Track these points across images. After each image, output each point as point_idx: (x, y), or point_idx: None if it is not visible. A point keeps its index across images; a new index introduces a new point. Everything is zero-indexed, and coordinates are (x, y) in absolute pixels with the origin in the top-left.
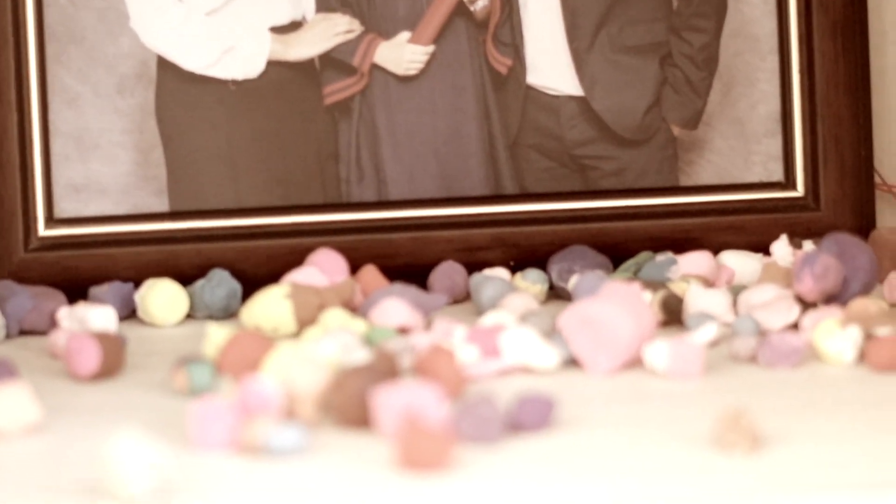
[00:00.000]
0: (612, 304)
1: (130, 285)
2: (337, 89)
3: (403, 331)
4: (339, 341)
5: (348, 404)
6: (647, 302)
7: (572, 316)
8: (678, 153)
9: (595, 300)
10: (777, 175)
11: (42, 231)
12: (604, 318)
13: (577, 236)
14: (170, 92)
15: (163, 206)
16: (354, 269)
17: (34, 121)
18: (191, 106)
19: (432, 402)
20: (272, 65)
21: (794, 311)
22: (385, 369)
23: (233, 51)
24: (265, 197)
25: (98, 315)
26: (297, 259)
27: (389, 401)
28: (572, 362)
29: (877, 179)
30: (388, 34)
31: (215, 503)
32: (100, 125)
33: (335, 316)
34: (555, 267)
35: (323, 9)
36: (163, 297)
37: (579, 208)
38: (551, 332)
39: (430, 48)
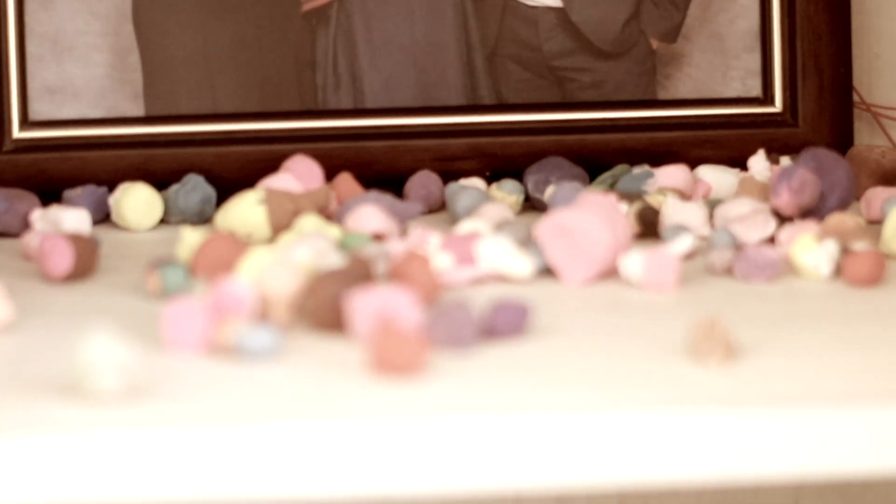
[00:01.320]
0: (589, 214)
1: (104, 189)
2: None
3: (378, 238)
4: (313, 246)
5: (322, 307)
6: (624, 213)
7: (548, 225)
8: (656, 67)
9: (571, 209)
10: (755, 90)
11: (17, 133)
12: (580, 228)
13: (553, 148)
14: None
15: (139, 110)
16: (330, 176)
17: (10, 21)
18: (168, 9)
19: (406, 306)
20: None
21: (771, 224)
22: (359, 274)
23: None
24: (241, 103)
25: (72, 217)
26: (272, 165)
27: (363, 304)
28: (547, 271)
29: (855, 98)
30: None
31: (187, 403)
32: (75, 27)
33: (310, 222)
34: (531, 178)
35: None
36: (137, 202)
37: (556, 120)
38: (527, 242)
39: None
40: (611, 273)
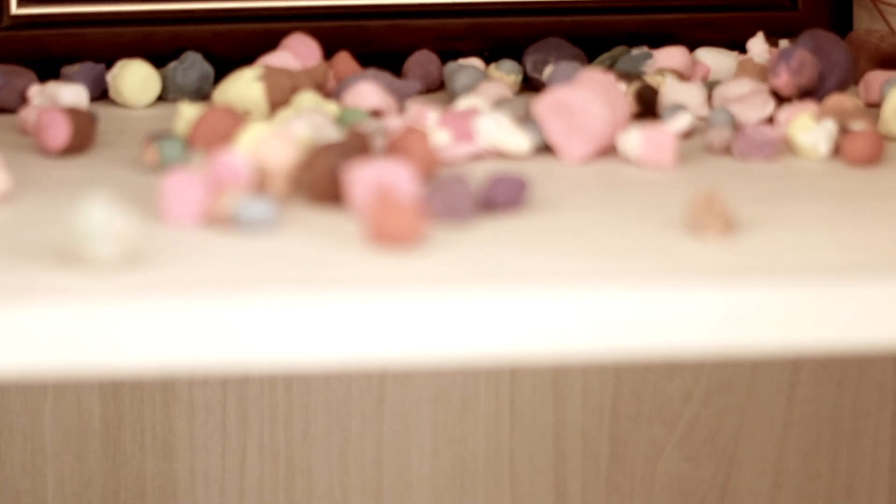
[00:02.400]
0: (587, 91)
1: (102, 66)
2: None
3: (376, 114)
4: (311, 121)
5: (319, 180)
6: (622, 92)
7: (546, 101)
8: None
9: (570, 86)
10: None
11: (14, 9)
12: (578, 104)
13: (552, 28)
14: None
15: None
16: (328, 56)
17: None
18: None
19: (404, 178)
20: None
21: (770, 105)
22: (357, 147)
23: None
24: None
25: (69, 92)
26: (270, 43)
27: (361, 176)
28: (546, 148)
29: None
30: None
31: (184, 270)
32: None
33: (307, 98)
34: (529, 58)
35: None
36: (135, 78)
37: (556, 0)
38: (525, 119)
39: None
40: (609, 150)
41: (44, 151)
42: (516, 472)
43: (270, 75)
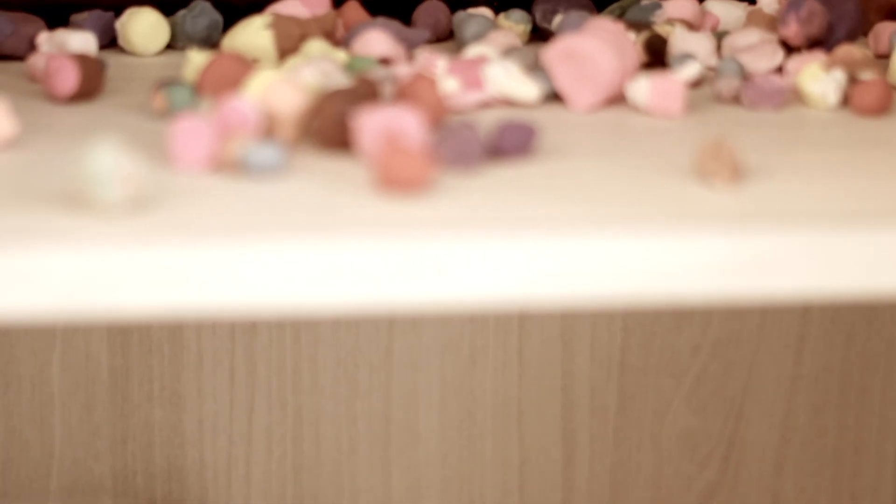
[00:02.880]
0: (596, 39)
1: (111, 13)
2: None
3: (385, 62)
4: (319, 68)
5: (328, 126)
6: (632, 40)
7: (556, 49)
8: None
9: (579, 35)
10: None
11: None
12: (587, 52)
13: None
14: None
15: None
16: (337, 4)
17: None
18: None
19: (413, 124)
20: None
21: (779, 55)
22: (366, 93)
23: None
24: None
25: (78, 39)
26: None
27: (369, 122)
28: (555, 97)
29: None
30: None
31: (191, 215)
32: None
33: (316, 46)
34: (539, 8)
35: None
36: (143, 26)
37: None
38: (534, 67)
39: None
40: (618, 99)
41: (52, 98)
42: (524, 425)
43: (279, 23)
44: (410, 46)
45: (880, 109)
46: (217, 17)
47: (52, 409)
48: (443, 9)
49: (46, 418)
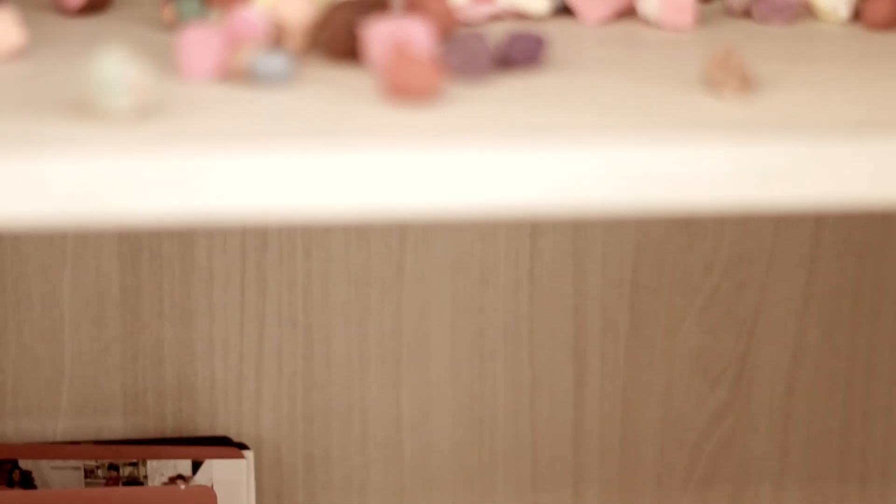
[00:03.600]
0: None
1: None
2: None
3: None
4: None
5: (337, 36)
6: None
7: None
8: None
9: None
10: None
11: None
12: None
13: None
14: None
15: None
16: None
17: None
18: None
19: (422, 35)
20: None
21: None
22: (375, 4)
23: None
24: None
25: None
26: None
27: (379, 32)
28: (565, 10)
29: None
30: None
31: (199, 122)
32: None
33: None
34: None
35: None
36: None
37: None
38: None
39: None
40: (628, 12)
41: (62, 10)
42: (535, 344)
43: None
44: None
45: (891, 23)
46: None
47: (63, 327)
48: None
49: (57, 336)
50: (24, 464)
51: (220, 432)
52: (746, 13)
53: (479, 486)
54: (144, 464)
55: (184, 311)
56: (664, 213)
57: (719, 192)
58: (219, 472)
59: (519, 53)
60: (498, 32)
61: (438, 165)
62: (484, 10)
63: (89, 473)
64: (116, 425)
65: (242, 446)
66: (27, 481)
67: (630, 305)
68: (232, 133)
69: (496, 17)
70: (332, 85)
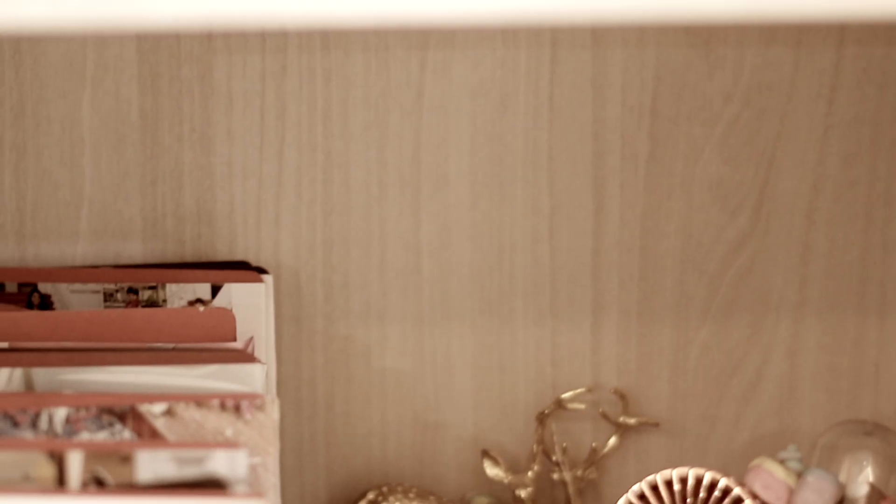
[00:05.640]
0: None
1: None
2: None
3: None
4: None
5: None
6: None
7: None
8: None
9: None
10: None
11: None
12: None
13: None
14: None
15: None
16: None
17: None
18: None
19: None
20: None
21: None
22: None
23: None
24: None
25: None
26: None
27: None
28: None
29: None
30: None
31: None
32: None
33: None
34: None
35: None
36: None
37: None
38: None
39: None
40: None
41: None
42: (554, 171)
43: None
44: None
45: None
46: None
47: (83, 151)
48: None
49: (76, 160)
50: (44, 287)
51: (239, 257)
52: None
53: (497, 313)
54: (164, 287)
55: (203, 136)
56: (685, 21)
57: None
58: (238, 296)
59: None
60: None
61: None
62: None
63: (108, 297)
64: (135, 250)
65: (262, 271)
66: (46, 305)
67: (649, 133)
68: None
69: None
70: None
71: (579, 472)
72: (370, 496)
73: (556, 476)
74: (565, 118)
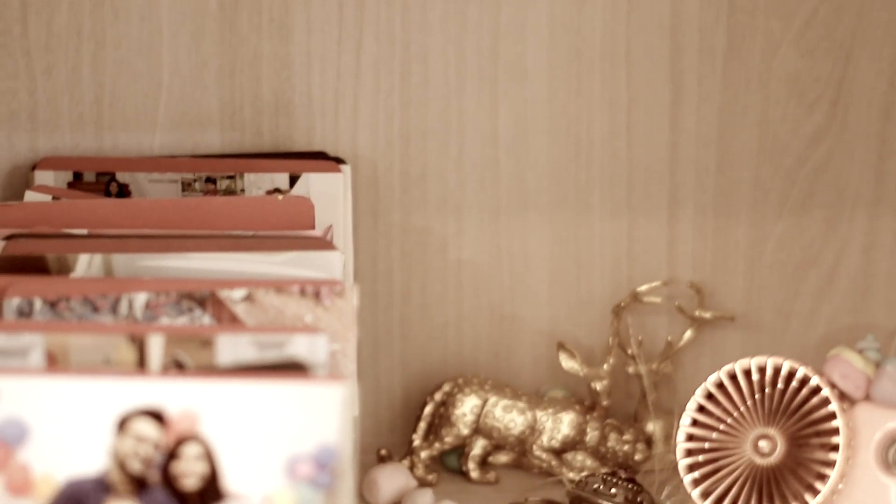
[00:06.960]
0: None
1: None
2: None
3: None
4: None
5: None
6: None
7: None
8: None
9: None
10: None
11: None
12: None
13: None
14: None
15: None
16: None
17: None
18: None
19: None
20: None
21: None
22: None
23: None
24: None
25: None
26: None
27: None
28: None
29: None
30: None
31: None
32: None
33: None
34: None
35: None
36: None
37: None
38: None
39: None
40: None
41: None
42: (632, 64)
43: None
44: None
45: None
46: None
47: (161, 41)
48: None
49: (155, 49)
50: (122, 177)
51: (316, 148)
52: None
53: (574, 207)
54: (242, 177)
55: (282, 26)
56: None
57: None
58: (315, 185)
59: None
60: None
61: None
62: None
63: (186, 186)
64: (213, 140)
65: (340, 161)
66: (124, 194)
67: (727, 27)
68: None
69: None
70: None
71: (654, 366)
72: (445, 388)
73: (630, 369)
74: (643, 11)
